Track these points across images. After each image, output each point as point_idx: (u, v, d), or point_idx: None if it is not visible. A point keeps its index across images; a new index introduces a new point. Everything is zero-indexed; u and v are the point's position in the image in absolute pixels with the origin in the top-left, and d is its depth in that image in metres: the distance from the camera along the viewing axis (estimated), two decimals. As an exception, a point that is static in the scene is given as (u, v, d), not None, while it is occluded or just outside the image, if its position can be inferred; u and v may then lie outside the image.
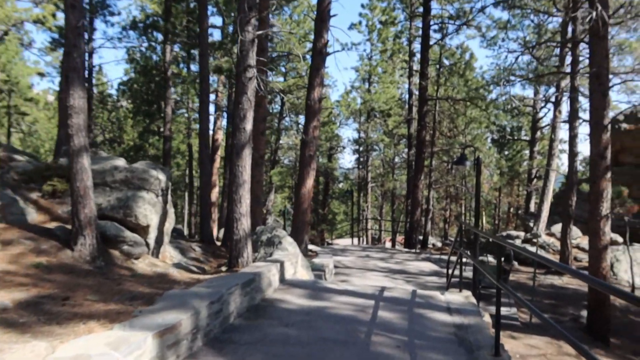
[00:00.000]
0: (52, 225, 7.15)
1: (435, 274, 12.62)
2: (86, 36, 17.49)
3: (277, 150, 33.22)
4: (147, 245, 7.80)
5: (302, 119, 41.59)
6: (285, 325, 5.23)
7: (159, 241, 8.52)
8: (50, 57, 20.64)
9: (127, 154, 23.48)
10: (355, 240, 33.48)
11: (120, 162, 8.24)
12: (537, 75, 15.11)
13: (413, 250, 17.08)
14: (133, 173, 7.85)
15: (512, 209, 41.73)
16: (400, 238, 26.34)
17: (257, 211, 10.85)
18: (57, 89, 20.07)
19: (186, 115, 27.17)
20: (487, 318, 6.85)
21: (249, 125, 7.76)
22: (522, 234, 20.63)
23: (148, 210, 7.60)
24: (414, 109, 19.81)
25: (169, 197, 8.85)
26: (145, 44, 18.93)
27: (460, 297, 7.02)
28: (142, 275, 6.65)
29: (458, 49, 19.51)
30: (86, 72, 17.76)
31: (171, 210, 9.14)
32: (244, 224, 7.75)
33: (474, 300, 6.93)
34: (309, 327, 5.17)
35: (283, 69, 32.19)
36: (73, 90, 6.32)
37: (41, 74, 21.43)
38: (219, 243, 12.61)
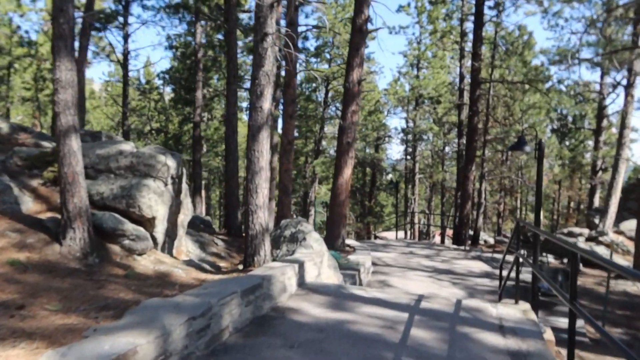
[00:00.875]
0: (48, 215, 6.42)
1: (486, 275, 11.23)
2: (121, 20, 17.05)
3: (320, 139, 32.21)
4: (154, 239, 6.96)
5: (348, 107, 40.45)
6: (289, 346, 4.18)
7: (171, 234, 7.68)
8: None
9: (167, 143, 23.15)
10: (402, 233, 32.03)
11: (127, 146, 7.43)
12: (610, 52, 13.20)
13: (462, 247, 15.64)
14: (139, 158, 7.01)
15: (572, 204, 38.91)
16: (450, 233, 24.80)
17: (285, 203, 9.88)
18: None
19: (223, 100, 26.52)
20: (548, 335, 5.56)
21: (266, 104, 6.73)
22: (585, 231, 18.66)
23: (153, 200, 6.74)
24: (466, 94, 18.19)
25: (184, 185, 7.99)
26: (180, 27, 18.22)
27: (516, 310, 5.73)
28: (139, 275, 5.79)
29: (515, 29, 17.69)
30: (121, 56, 17.35)
31: (187, 201, 8.29)
32: (261, 217, 6.75)
33: (533, 316, 5.62)
34: (319, 351, 4.09)
35: (328, 55, 31.07)
36: (60, 61, 5.49)
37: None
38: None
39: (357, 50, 12.80)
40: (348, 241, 14.76)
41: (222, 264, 8.68)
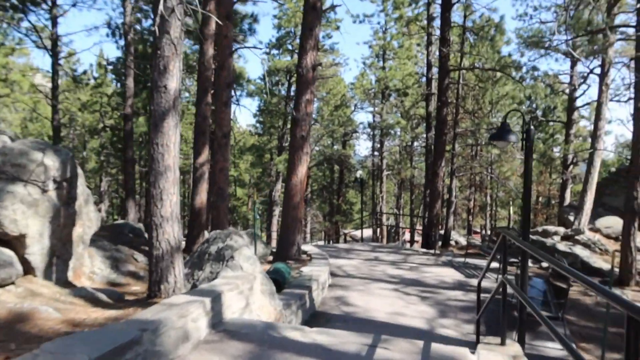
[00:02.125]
0: None
1: (459, 286, 9.83)
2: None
3: (283, 135, 30.57)
4: (27, 263, 5.22)
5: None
6: None
7: (61, 254, 5.93)
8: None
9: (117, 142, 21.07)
10: (371, 231, 30.68)
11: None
12: (586, 33, 11.96)
13: (432, 251, 14.27)
14: (5, 157, 5.24)
15: (541, 199, 38.34)
16: (420, 231, 23.54)
17: (221, 209, 8.22)
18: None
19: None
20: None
21: (172, 83, 5.07)
22: (560, 229, 17.61)
23: (20, 212, 5.00)
24: (434, 84, 16.87)
25: (81, 190, 6.25)
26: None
27: (504, 357, 4.24)
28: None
29: (485, 12, 16.45)
30: (49, 42, 15.24)
31: (88, 209, 6.55)
32: (169, 232, 5.10)
33: (527, 366, 4.14)
34: None
35: (290, 46, 29.39)
36: None
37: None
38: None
39: (310, 30, 11.21)
40: (306, 247, 13.22)
41: (136, 287, 6.98)
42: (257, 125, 42.73)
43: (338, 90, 36.17)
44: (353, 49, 40.93)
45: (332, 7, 14.02)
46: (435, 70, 17.47)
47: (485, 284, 9.75)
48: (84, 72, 18.94)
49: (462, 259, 12.85)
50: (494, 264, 12.24)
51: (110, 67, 20.61)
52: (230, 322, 4.74)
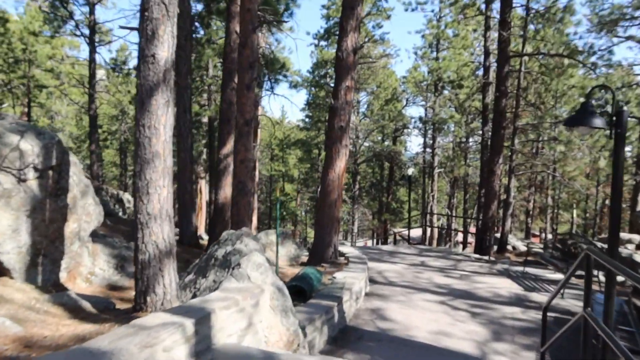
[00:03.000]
0: None
1: (517, 301, 8.46)
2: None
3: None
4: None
5: (362, 95, 37.58)
6: None
7: (49, 252, 5.19)
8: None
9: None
10: (420, 232, 29.15)
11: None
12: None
13: (486, 258, 12.84)
14: (-25, 140, 4.50)
15: (608, 202, 35.27)
16: (473, 233, 21.93)
17: (242, 205, 7.30)
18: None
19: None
20: None
21: (163, 51, 4.15)
22: (635, 237, 15.64)
23: (-14, 205, 4.23)
24: (492, 73, 15.31)
25: (73, 180, 5.48)
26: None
27: None
28: None
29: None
30: (86, 30, 14.85)
31: (86, 202, 5.79)
32: (157, 233, 4.20)
33: None
34: None
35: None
36: None
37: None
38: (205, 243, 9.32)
39: (352, 9, 10.12)
40: (345, 249, 12.15)
41: (127, 295, 6.16)
42: (306, 119, 42.06)
43: (389, 84, 34.79)
44: (405, 39, 39.42)
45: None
46: (493, 58, 15.90)
47: (542, 298, 8.37)
48: (124, 62, 18.58)
49: (520, 268, 11.39)
50: (557, 275, 10.74)
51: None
52: (221, 350, 3.77)
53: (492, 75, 15.55)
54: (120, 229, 9.39)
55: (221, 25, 14.94)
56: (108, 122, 40.53)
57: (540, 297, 8.68)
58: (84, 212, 5.74)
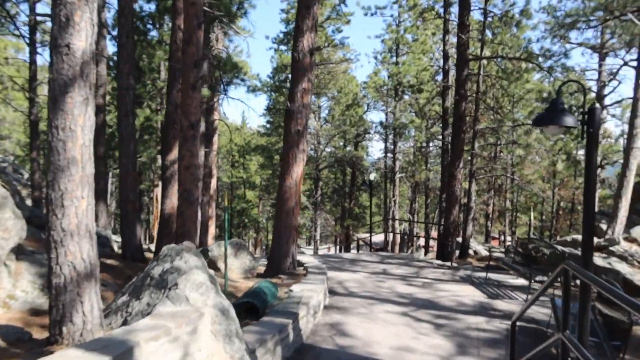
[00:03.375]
0: None
1: (481, 310, 8.16)
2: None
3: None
4: None
5: (323, 101, 37.30)
6: None
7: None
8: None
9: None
10: (383, 237, 28.97)
11: None
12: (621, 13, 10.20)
13: (448, 264, 12.60)
14: None
15: (563, 204, 36.17)
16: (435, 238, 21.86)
17: (187, 215, 6.69)
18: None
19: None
20: None
21: (79, 41, 3.57)
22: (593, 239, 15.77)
23: None
24: (451, 76, 15.22)
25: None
26: None
27: None
28: None
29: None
30: (26, 29, 13.83)
31: (3, 215, 5.08)
32: (74, 252, 3.60)
33: None
34: None
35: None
36: None
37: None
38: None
39: (307, 8, 9.69)
40: (304, 257, 11.66)
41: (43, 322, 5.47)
42: (267, 125, 41.47)
43: (350, 89, 34.68)
44: (365, 44, 39.53)
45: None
46: (452, 62, 15.82)
47: (506, 306, 8.13)
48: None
49: (483, 274, 11.18)
50: (520, 281, 10.58)
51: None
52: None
53: (452, 79, 15.46)
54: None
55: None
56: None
57: (504, 305, 8.43)
58: (2, 228, 5.05)
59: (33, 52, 14.05)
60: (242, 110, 74.12)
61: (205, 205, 14.77)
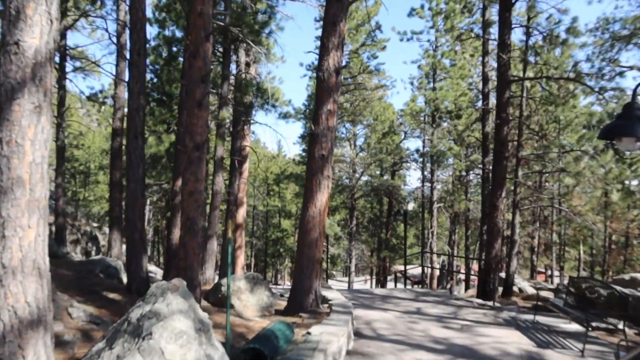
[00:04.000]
0: None
1: (529, 361, 7.03)
2: None
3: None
4: None
5: (359, 129, 36.66)
6: None
7: None
8: None
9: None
10: (420, 270, 27.59)
11: None
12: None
13: (490, 304, 11.39)
14: None
15: (614, 237, 33.69)
16: (476, 271, 20.48)
17: (189, 247, 6.00)
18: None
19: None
20: None
21: (32, 39, 2.98)
22: (656, 277, 14.18)
23: None
24: (492, 100, 14.25)
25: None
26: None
27: None
28: None
29: (555, 11, 13.53)
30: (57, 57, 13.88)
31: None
32: (16, 294, 2.92)
33: None
34: None
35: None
36: None
37: None
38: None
39: (333, 25, 9.10)
40: (330, 294, 10.75)
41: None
42: (303, 153, 41.20)
43: (386, 117, 34.00)
44: (401, 69, 38.99)
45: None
46: (492, 85, 14.85)
47: (559, 358, 6.92)
48: (100, 91, 17.45)
49: (530, 317, 9.95)
50: (573, 326, 9.31)
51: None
52: None
53: (492, 103, 14.48)
54: (61, 274, 8.06)
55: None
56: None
57: (556, 357, 7.25)
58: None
59: (62, 77, 14.02)
60: (279, 138, 74.39)
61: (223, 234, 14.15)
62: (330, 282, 44.64)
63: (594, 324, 8.06)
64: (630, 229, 27.91)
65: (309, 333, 6.92)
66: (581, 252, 33.70)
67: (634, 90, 3.36)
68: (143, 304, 4.21)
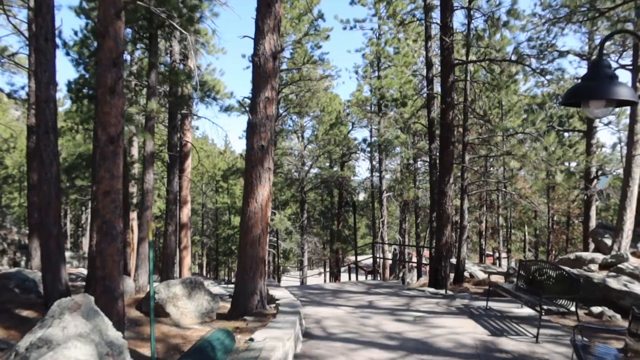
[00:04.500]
0: None
1: (486, 352, 6.73)
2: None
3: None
4: None
5: (306, 121, 36.14)
6: None
7: None
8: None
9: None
10: (371, 261, 27.50)
11: None
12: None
13: (442, 292, 11.17)
14: None
15: (556, 217, 34.95)
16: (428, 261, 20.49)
17: (107, 253, 5.25)
18: None
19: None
20: None
21: None
22: (597, 255, 14.48)
23: None
24: (436, 85, 14.06)
25: None
26: None
27: None
28: None
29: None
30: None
31: None
32: None
33: None
34: None
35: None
36: None
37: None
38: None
39: (268, 6, 8.47)
40: (278, 292, 10.17)
41: None
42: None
43: (333, 108, 33.64)
44: (345, 59, 38.78)
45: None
46: (436, 67, 14.66)
47: (514, 345, 6.61)
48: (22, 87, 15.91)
49: (482, 303, 9.78)
50: (525, 310, 9.19)
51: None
52: None
53: (437, 90, 14.29)
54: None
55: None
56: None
57: (512, 344, 7.02)
58: None
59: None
60: (225, 133, 72.65)
61: (170, 235, 13.30)
62: (284, 277, 44.09)
63: (545, 307, 7.89)
64: (572, 209, 28.92)
65: (251, 339, 6.32)
66: (526, 233, 34.73)
67: (602, 42, 2.95)
68: (37, 328, 3.50)
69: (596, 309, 8.84)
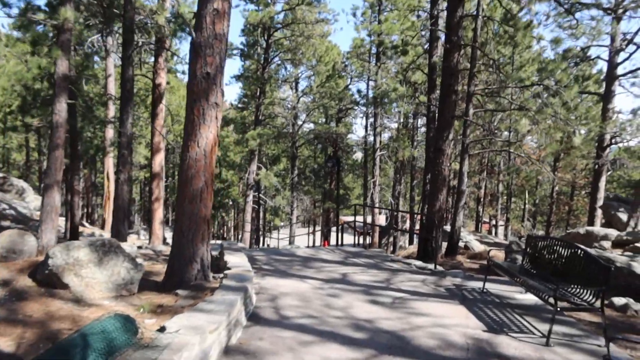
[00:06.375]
0: None
1: (479, 356, 5.03)
2: None
3: (259, 106, 25.71)
4: None
5: (301, 71, 33.74)
6: None
7: None
8: None
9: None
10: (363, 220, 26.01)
11: None
12: None
13: (431, 267, 9.43)
14: None
15: (558, 188, 33.08)
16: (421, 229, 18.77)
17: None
18: None
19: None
20: None
21: None
22: (611, 231, 12.81)
23: None
24: (441, 22, 11.89)
25: None
26: None
27: None
28: None
29: None
30: None
31: None
32: None
33: None
34: None
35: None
36: None
37: None
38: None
39: None
40: (233, 258, 8.43)
41: None
42: (243, 99, 38.00)
43: (330, 58, 31.32)
44: (343, 2, 36.14)
45: None
46: (443, 4, 12.48)
47: (517, 348, 4.96)
48: None
49: (478, 284, 8.09)
50: (529, 297, 7.55)
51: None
52: None
53: (442, 26, 12.16)
54: None
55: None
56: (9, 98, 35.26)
57: (514, 346, 5.32)
58: None
59: None
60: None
61: (122, 184, 11.49)
62: (273, 236, 42.64)
63: (560, 304, 6.15)
64: (578, 178, 27.09)
65: (162, 329, 4.59)
66: (526, 202, 33.06)
67: None
68: None
69: (619, 301, 7.13)
